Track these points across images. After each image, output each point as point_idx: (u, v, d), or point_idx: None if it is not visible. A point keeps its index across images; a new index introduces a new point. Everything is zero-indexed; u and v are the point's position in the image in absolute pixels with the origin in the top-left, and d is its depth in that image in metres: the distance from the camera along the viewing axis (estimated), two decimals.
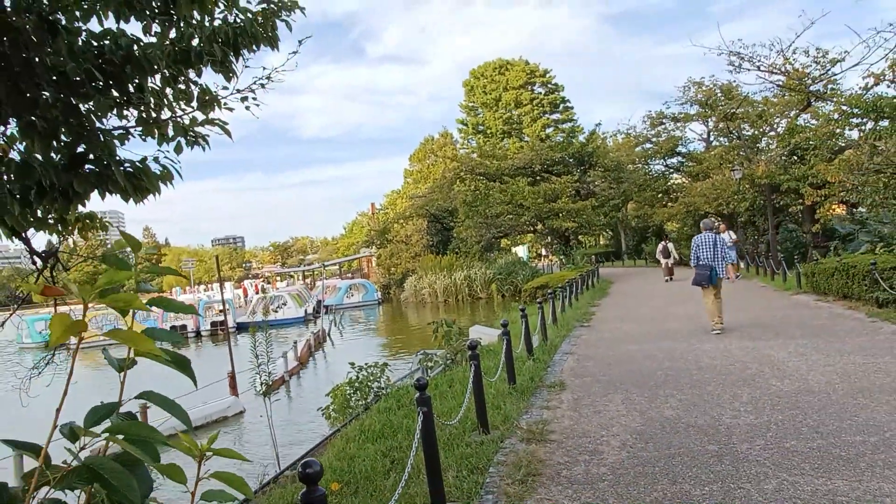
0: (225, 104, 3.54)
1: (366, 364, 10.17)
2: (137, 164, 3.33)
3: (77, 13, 3.77)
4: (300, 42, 3.59)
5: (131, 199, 3.81)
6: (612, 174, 38.39)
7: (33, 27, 2.97)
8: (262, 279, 70.81)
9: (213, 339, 32.92)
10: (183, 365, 1.20)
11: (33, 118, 3.09)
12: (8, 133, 3.63)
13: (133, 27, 4.67)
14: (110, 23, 3.78)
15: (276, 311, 35.91)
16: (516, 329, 10.01)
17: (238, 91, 3.53)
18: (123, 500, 1.03)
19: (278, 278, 68.34)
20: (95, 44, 3.68)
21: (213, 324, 33.83)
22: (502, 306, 32.09)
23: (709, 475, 4.37)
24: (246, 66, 3.53)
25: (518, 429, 5.94)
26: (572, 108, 59.74)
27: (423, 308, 40.43)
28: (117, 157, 3.27)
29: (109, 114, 3.25)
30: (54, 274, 5.27)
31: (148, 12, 3.97)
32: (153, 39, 3.91)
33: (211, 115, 3.96)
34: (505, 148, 50.48)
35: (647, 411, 6.14)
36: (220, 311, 37.33)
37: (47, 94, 2.91)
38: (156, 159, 3.25)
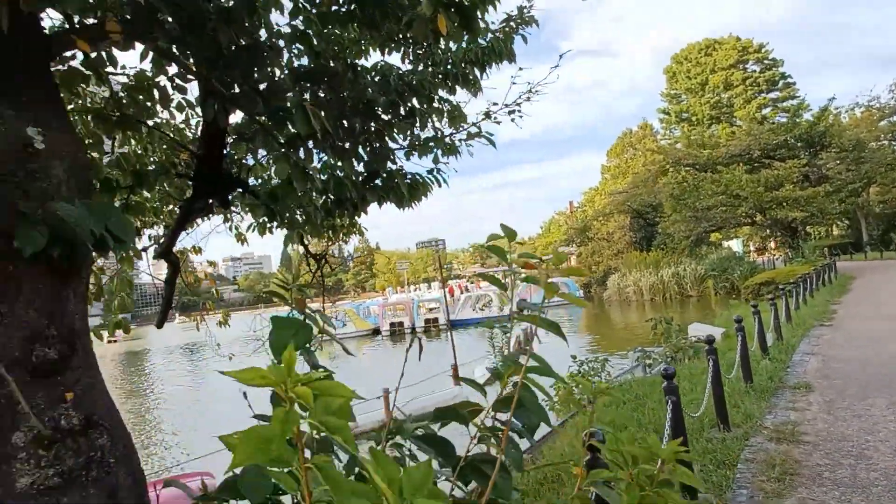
0: (494, 118, 4.02)
1: (586, 359, 10.33)
2: (416, 176, 3.92)
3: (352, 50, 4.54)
4: (560, 56, 3.94)
5: (399, 207, 4.48)
6: (849, 155, 33.57)
7: (342, 69, 3.68)
8: (465, 279, 74.08)
9: (426, 335, 35.42)
10: (556, 328, 1.54)
11: (341, 143, 3.82)
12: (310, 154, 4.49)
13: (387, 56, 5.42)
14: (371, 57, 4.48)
15: (483, 309, 37.53)
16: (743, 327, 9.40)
17: (506, 105, 3.98)
18: (538, 418, 1.40)
19: (480, 278, 70.91)
20: (370, 77, 4.39)
21: (427, 321, 36.44)
22: (719, 304, 29.85)
23: None
24: (513, 83, 3.96)
25: (763, 428, 5.67)
26: (794, 83, 53.27)
27: (627, 307, 39.21)
28: (402, 171, 3.89)
29: (405, 133, 3.88)
30: (323, 274, 6.29)
31: (404, 45, 4.62)
32: (409, 66, 4.54)
33: (459, 128, 4.49)
34: (715, 135, 46.77)
35: None
36: (431, 308, 40.09)
37: (357, 122, 3.59)
38: (438, 172, 3.81)
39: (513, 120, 3.98)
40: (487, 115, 3.97)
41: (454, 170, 3.95)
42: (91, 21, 2.65)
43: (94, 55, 3.13)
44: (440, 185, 4.12)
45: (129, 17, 2.30)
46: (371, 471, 0.63)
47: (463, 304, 40.07)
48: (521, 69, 3.85)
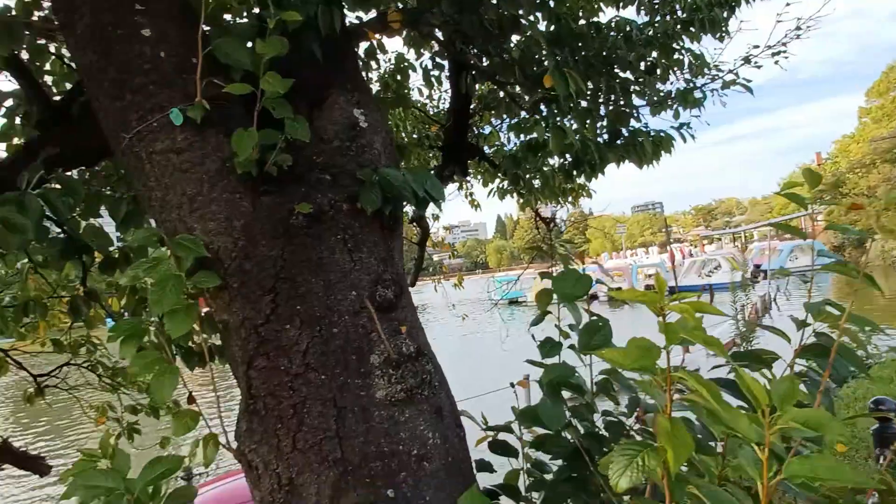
0: (755, 62, 3.72)
1: None
2: (660, 133, 3.81)
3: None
4: None
5: (639, 166, 4.37)
6: None
7: (586, 30, 3.71)
8: (687, 243, 69.27)
9: None
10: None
11: (582, 104, 3.86)
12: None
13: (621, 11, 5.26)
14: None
15: (710, 275, 34.95)
16: None
17: (769, 47, 3.66)
18: (852, 366, 1.36)
19: (706, 241, 65.79)
20: (611, 34, 4.31)
21: (647, 287, 35.06)
22: None
23: None
24: (778, 21, 3.61)
25: None
26: None
27: (894, 273, 33.39)
28: (647, 129, 3.81)
29: (650, 89, 3.81)
30: (552, 236, 6.40)
31: None
32: (645, 19, 4.35)
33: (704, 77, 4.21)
34: None
35: None
36: (650, 275, 38.36)
37: (601, 82, 3.60)
38: (687, 127, 3.67)
39: (776, 62, 3.63)
40: (747, 59, 3.68)
41: (706, 122, 3.76)
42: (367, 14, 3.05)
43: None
44: (685, 141, 3.95)
45: (411, 6, 2.60)
46: (747, 382, 0.71)
47: (688, 269, 37.61)
48: (788, 3, 3.48)
